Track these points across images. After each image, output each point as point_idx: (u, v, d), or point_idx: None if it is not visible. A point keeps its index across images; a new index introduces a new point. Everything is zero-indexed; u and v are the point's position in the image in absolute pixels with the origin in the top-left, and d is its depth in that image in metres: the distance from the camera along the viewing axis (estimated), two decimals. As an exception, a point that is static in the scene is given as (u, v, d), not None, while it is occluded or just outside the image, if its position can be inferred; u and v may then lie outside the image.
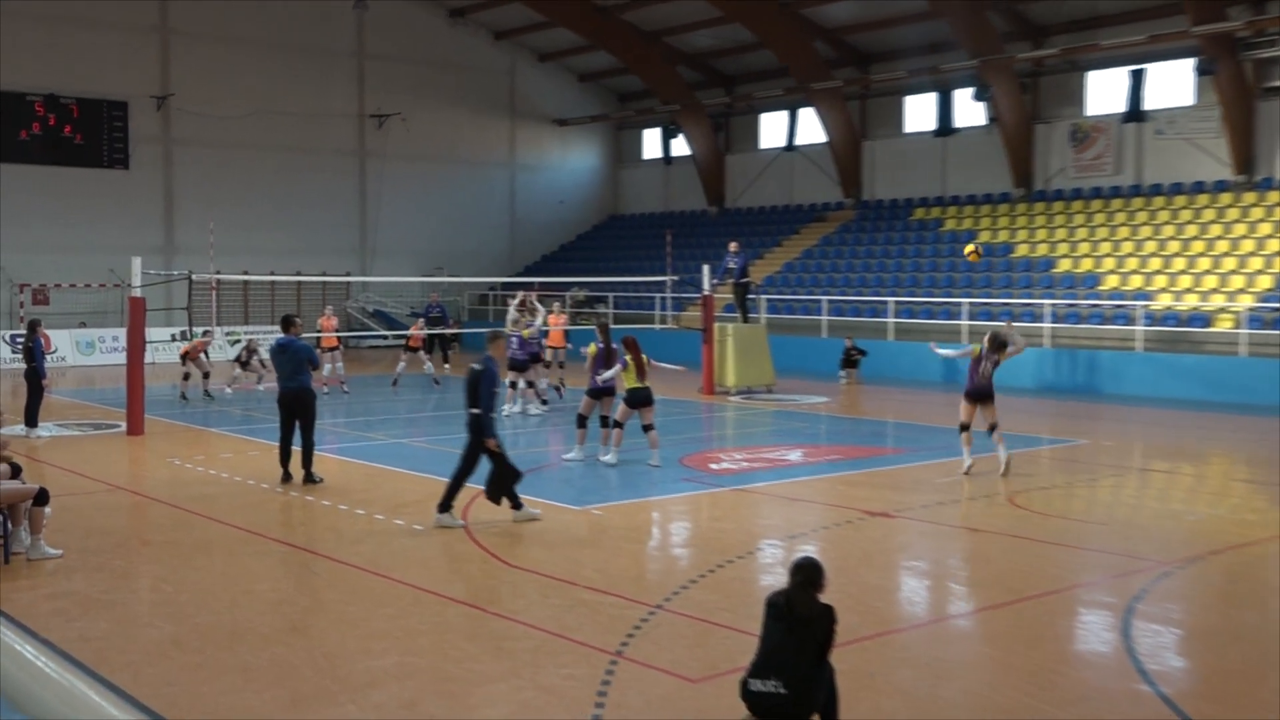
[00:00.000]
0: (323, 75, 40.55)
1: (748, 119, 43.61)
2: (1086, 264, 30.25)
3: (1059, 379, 26.79)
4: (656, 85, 42.72)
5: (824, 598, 6.28)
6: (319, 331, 24.99)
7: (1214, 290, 27.14)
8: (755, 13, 35.76)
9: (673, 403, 23.77)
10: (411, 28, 42.36)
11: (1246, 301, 26.02)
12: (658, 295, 36.08)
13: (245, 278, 34.92)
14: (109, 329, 34.60)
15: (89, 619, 8.64)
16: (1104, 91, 34.09)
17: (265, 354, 25.62)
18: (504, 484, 11.86)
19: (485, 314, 41.79)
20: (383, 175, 42.00)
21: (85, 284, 36.00)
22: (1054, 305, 28.39)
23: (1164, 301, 27.16)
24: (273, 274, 36.41)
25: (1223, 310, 26.15)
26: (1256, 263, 27.41)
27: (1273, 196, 29.71)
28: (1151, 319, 26.75)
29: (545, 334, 22.80)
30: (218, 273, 31.30)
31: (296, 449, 14.26)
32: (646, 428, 15.51)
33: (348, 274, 40.13)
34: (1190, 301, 26.88)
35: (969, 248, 18.61)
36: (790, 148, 41.35)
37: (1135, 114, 32.43)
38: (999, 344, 14.96)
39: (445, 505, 11.74)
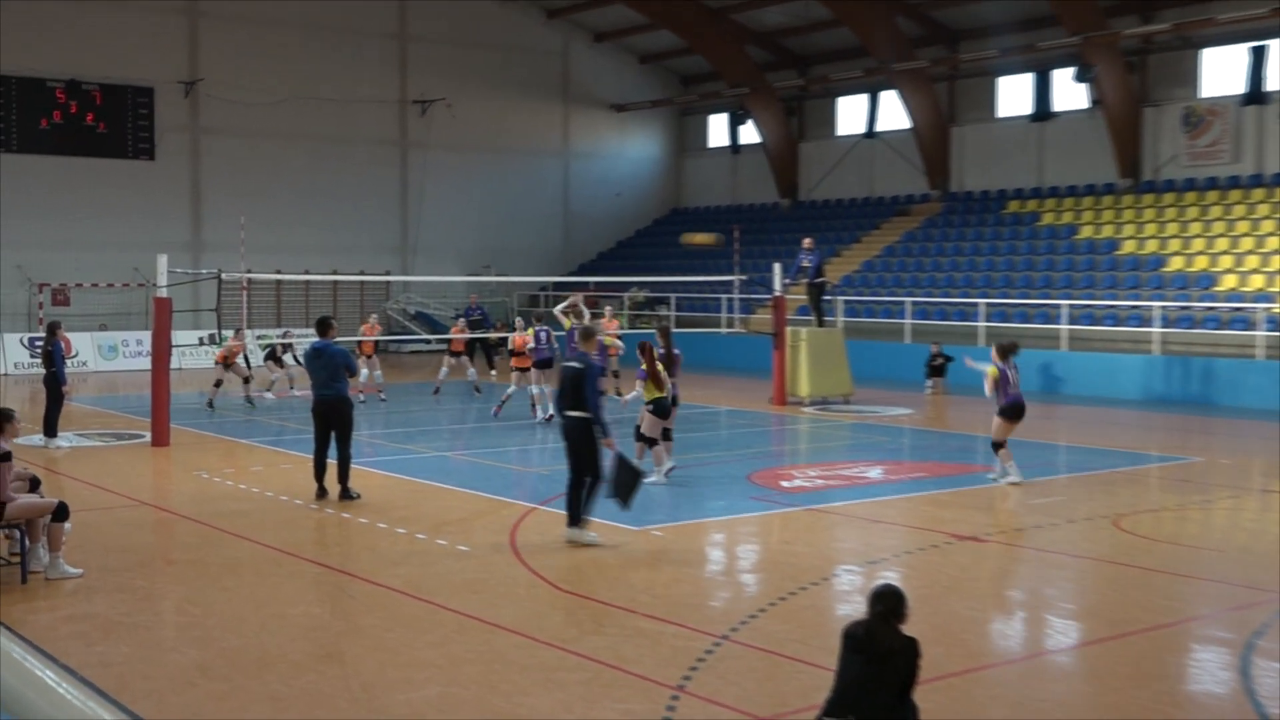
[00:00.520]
0: (361, 58, 40.96)
1: (823, 103, 43.46)
2: (1201, 262, 29.81)
3: (1169, 389, 26.41)
4: (723, 66, 42.69)
5: (907, 629, 6.23)
6: (358, 336, 25.24)
7: (1345, 291, 26.63)
8: (832, -14, 35.68)
9: (740, 414, 23.71)
10: (457, 6, 42.67)
11: (1382, 304, 25.50)
12: (724, 296, 36.05)
13: (278, 277, 35.33)
14: (133, 331, 35.13)
15: (110, 643, 8.77)
16: (1220, 71, 33.59)
17: (298, 352, 26.07)
18: (622, 483, 11.99)
19: (535, 317, 41.93)
20: (426, 166, 42.34)
21: (108, 283, 36.60)
22: (1164, 308, 27.99)
23: (1288, 304, 26.70)
24: (307, 273, 36.80)
25: (1355, 314, 25.65)
26: (1393, 261, 26.87)
27: None
28: (1274, 323, 26.30)
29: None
30: (248, 271, 31.69)
31: (332, 462, 14.40)
32: (665, 434, 15.73)
33: (387, 273, 40.48)
34: (1318, 304, 26.41)
35: (698, 238, 19.22)
36: (870, 134, 41.12)
37: (1256, 95, 31.91)
38: (1006, 351, 15.62)
39: (575, 519, 11.91)
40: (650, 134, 48.25)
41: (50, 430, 18.58)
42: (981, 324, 30.26)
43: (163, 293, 19.13)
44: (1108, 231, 33.08)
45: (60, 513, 10.61)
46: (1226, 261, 29.46)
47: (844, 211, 41.80)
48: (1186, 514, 14.02)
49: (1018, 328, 30.20)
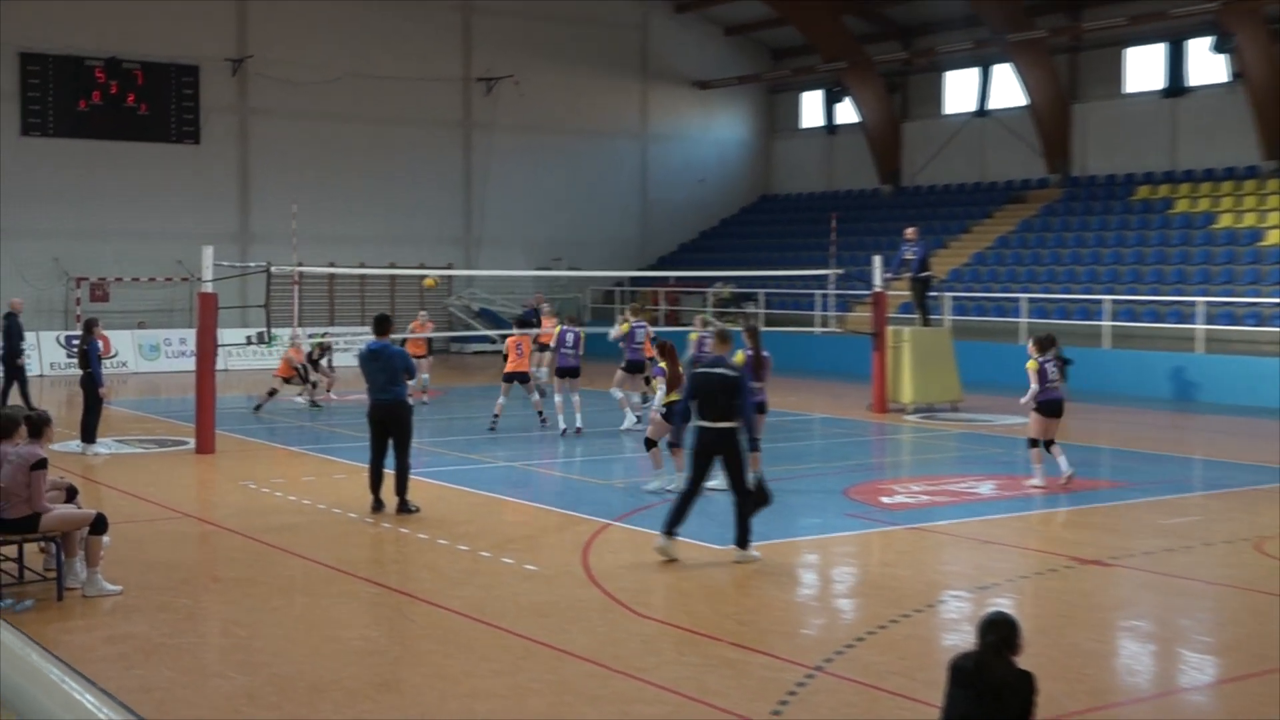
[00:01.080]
0: (422, 33, 41.31)
1: (929, 78, 43.15)
2: (1356, 254, 29.20)
3: (1320, 397, 25.88)
4: (818, 39, 42.52)
5: (1021, 662, 6.17)
6: (408, 333, 25.44)
7: None
8: (939, -51, 35.45)
9: (836, 422, 23.61)
10: (526, -26, 42.96)
11: None
12: (818, 292, 35.90)
13: (331, 270, 35.72)
14: (175, 330, 35.71)
15: (151, 666, 8.92)
16: (1379, 39, 32.90)
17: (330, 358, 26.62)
18: (749, 510, 12.10)
19: (610, 314, 42.00)
20: (491, 149, 42.59)
21: (149, 278, 37.21)
22: (1314, 305, 27.46)
23: None
24: (363, 266, 37.18)
25: None
26: None
27: None
28: None
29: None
30: (300, 264, 32.04)
31: (389, 472, 14.53)
32: (672, 445, 15.58)
33: (449, 266, 40.77)
34: None
35: (429, 281, 19.55)
36: (982, 113, 40.75)
37: None
38: (1045, 344, 16.53)
39: (673, 529, 12.01)
40: (737, 113, 48.18)
41: (88, 436, 18.95)
42: (1106, 323, 29.87)
43: (208, 287, 19.41)
44: (1249, 220, 32.51)
45: (98, 525, 10.81)
46: (1386, 253, 28.84)
47: (952, 198, 41.47)
48: (1339, 537, 13.74)
49: (1147, 327, 29.77)
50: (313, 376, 26.01)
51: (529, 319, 30.51)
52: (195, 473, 17.89)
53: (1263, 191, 33.53)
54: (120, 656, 9.18)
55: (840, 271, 29.58)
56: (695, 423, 12.13)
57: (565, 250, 43.11)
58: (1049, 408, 16.35)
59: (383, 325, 14.87)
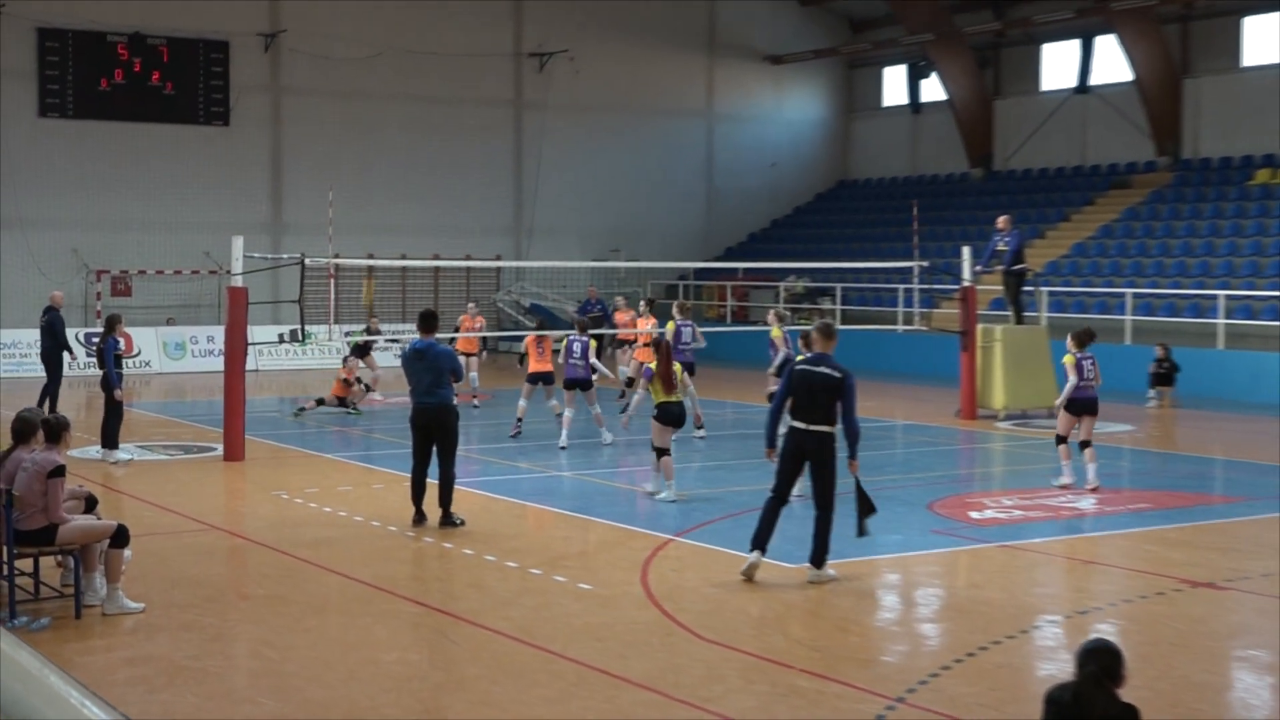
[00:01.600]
0: (469, 5, 41.42)
1: (1025, 52, 42.85)
2: None
3: None
4: (902, 8, 42.34)
5: (1124, 695, 6.12)
6: (455, 331, 25.59)
7: None
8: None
9: (920, 429, 23.50)
10: (582, -60, 43.04)
11: None
12: (901, 287, 35.74)
13: (370, 262, 35.91)
14: (203, 327, 36.03)
15: (175, 690, 9.01)
16: None
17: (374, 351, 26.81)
18: (864, 506, 12.21)
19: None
20: (544, 131, 42.70)
21: (175, 270, 37.55)
22: None
23: None
24: (404, 258, 37.35)
25: None
26: None
27: None
28: None
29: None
30: (337, 256, 32.21)
31: (432, 482, 14.61)
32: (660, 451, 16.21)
33: (498, 258, 40.90)
34: None
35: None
36: (1083, 89, 40.42)
37: None
38: (1084, 338, 17.41)
39: (763, 542, 12.01)
40: (812, 91, 48.05)
41: (109, 441, 19.12)
42: (1220, 321, 29.56)
43: (238, 281, 19.56)
44: (1382, 207, 32.05)
45: (119, 537, 10.93)
46: None
47: (1049, 183, 41.17)
48: None
49: (1266, 325, 29.42)
50: (374, 373, 26.28)
51: (590, 312, 30.62)
52: (223, 481, 18.05)
53: (1396, 175, 33.06)
54: (142, 679, 9.27)
55: (925, 264, 29.41)
56: (789, 423, 12.11)
57: (624, 240, 43.15)
58: (1079, 405, 17.03)
59: (429, 322, 14.91)
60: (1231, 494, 17.39)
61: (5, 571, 10.75)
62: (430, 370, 14.49)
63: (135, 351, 33.58)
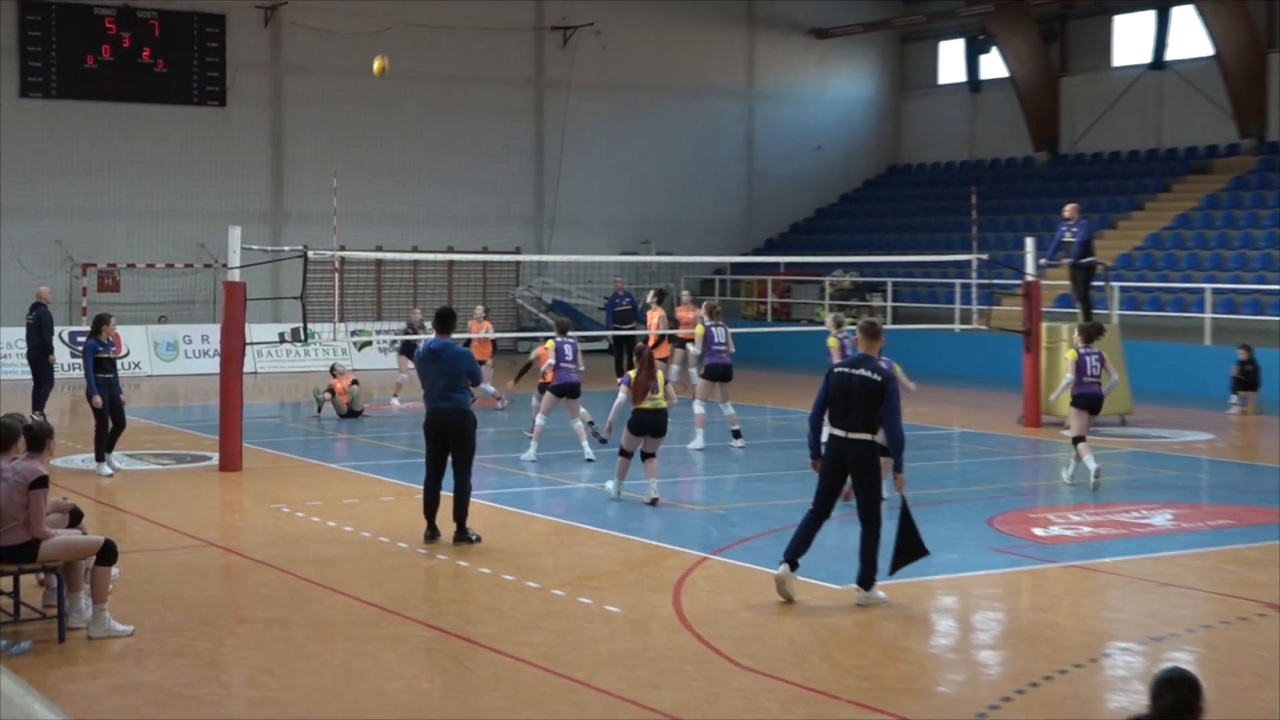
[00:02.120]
0: (486, -27, 41.55)
1: (1094, 24, 42.70)
2: None
3: None
4: (959, -23, 42.27)
5: (1204, 729, 6.10)
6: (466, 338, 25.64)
7: None
8: None
9: (979, 438, 23.43)
10: (610, -97, 43.05)
11: None
12: (958, 282, 35.66)
13: (379, 255, 36.01)
14: (197, 325, 36.12)
15: (167, 721, 9.04)
16: None
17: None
18: (909, 545, 12.08)
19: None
20: (568, 112, 42.72)
21: (167, 264, 37.70)
22: None
23: None
24: (415, 250, 37.42)
25: None
26: None
27: None
28: None
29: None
30: (342, 249, 32.26)
31: (446, 494, 14.64)
32: (646, 455, 16.86)
33: (517, 250, 40.97)
34: None
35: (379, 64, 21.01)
36: (1158, 64, 40.23)
37: None
38: (1090, 334, 18.64)
39: (795, 560, 12.06)
40: (862, 68, 47.99)
41: (100, 452, 18.94)
42: (1310, 319, 29.45)
43: (235, 275, 19.62)
44: None
45: (106, 554, 10.96)
46: None
47: (1121, 168, 41.03)
48: None
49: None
50: (401, 378, 26.35)
51: (618, 306, 30.59)
52: (219, 493, 18.11)
53: None
54: (130, 709, 9.30)
55: (984, 257, 29.35)
56: (829, 430, 12.10)
57: (655, 231, 43.12)
58: (1086, 401, 18.19)
59: (445, 322, 14.92)
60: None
61: (-17, 591, 10.80)
62: (445, 373, 14.49)
63: (124, 352, 33.64)
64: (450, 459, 14.56)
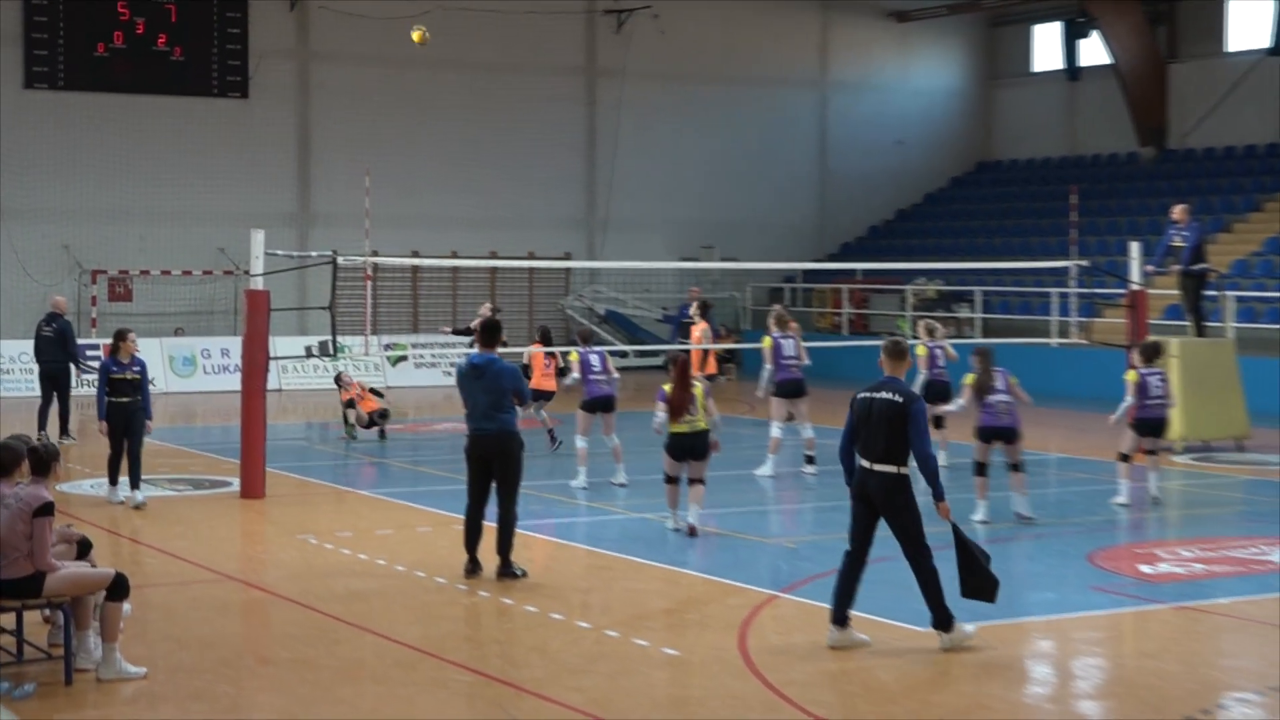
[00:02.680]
0: (534, -49, 41.65)
1: (1206, 5, 42.44)
2: None
3: None
4: (1056, -46, 42.13)
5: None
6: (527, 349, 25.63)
7: None
8: None
9: (1077, 463, 23.29)
10: (669, -126, 43.06)
11: None
12: (1055, 291, 35.46)
13: (415, 261, 36.07)
14: (216, 338, 36.30)
15: (183, 772, 9.09)
16: None
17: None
18: (976, 573, 11.95)
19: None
20: (622, 104, 42.69)
21: (184, 270, 37.88)
22: None
23: None
24: (455, 256, 37.48)
25: None
26: None
27: None
28: None
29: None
30: (374, 254, 32.33)
31: (489, 524, 14.64)
32: (691, 480, 16.83)
33: (567, 256, 40.97)
34: None
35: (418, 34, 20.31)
36: (1278, 50, 39.96)
37: None
38: (1151, 352, 19.60)
39: (843, 615, 11.87)
40: (947, 54, 47.85)
41: (113, 477, 18.80)
42: None
43: (258, 283, 19.69)
44: None
45: (117, 588, 11.00)
46: None
47: (1236, 165, 40.79)
48: None
49: None
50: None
51: (686, 318, 30.52)
52: (240, 522, 18.19)
53: None
54: (144, 758, 9.36)
55: (1084, 263, 29.19)
56: (857, 462, 12.06)
57: (718, 236, 43.11)
58: (1148, 426, 18.99)
59: (491, 334, 14.91)
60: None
61: (-16, 628, 10.87)
62: (490, 391, 14.48)
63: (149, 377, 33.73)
64: (494, 485, 14.58)
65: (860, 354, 33.16)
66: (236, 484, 19.85)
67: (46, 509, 10.76)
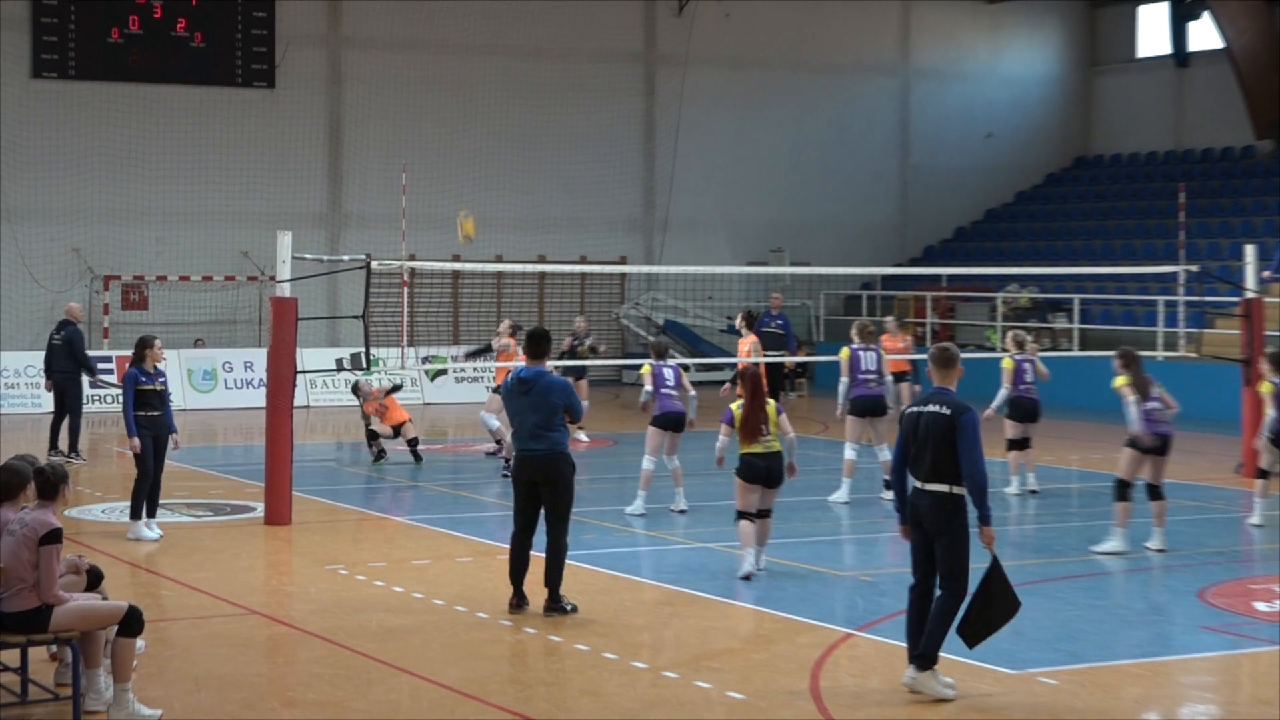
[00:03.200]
0: (587, -74, 41.71)
1: (1330, -17, 42.23)
2: None
3: None
4: (1162, -73, 41.94)
5: None
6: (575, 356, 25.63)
7: None
8: None
9: (1185, 489, 23.15)
10: None
11: None
12: (1161, 299, 35.29)
13: (456, 266, 36.10)
14: (239, 350, 36.44)
15: (201, 824, 9.11)
16: None
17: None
18: (994, 609, 11.82)
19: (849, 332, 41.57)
20: (684, 94, 42.68)
21: (204, 276, 38.06)
22: None
23: None
24: (500, 260, 37.51)
25: None
26: None
27: None
28: None
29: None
30: (411, 258, 32.41)
31: (537, 555, 14.64)
32: (764, 513, 16.30)
33: (622, 260, 40.91)
34: None
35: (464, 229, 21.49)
36: None
37: None
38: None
39: (927, 657, 11.73)
40: (1042, 38, 47.70)
41: (137, 509, 18.48)
42: None
43: (285, 290, 19.74)
44: None
45: (130, 623, 11.02)
46: None
47: (1364, 160, 40.51)
48: None
49: None
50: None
51: (767, 326, 30.39)
52: (264, 551, 18.24)
53: None
54: (159, 809, 9.39)
55: (1194, 268, 29.04)
56: (910, 483, 12.02)
57: (789, 238, 43.02)
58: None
59: (538, 345, 14.89)
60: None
61: (-15, 665, 10.92)
62: (538, 408, 14.46)
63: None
64: (543, 512, 14.59)
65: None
66: (260, 509, 19.90)
67: (54, 536, 10.78)
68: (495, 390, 23.82)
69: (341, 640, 13.54)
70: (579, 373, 27.00)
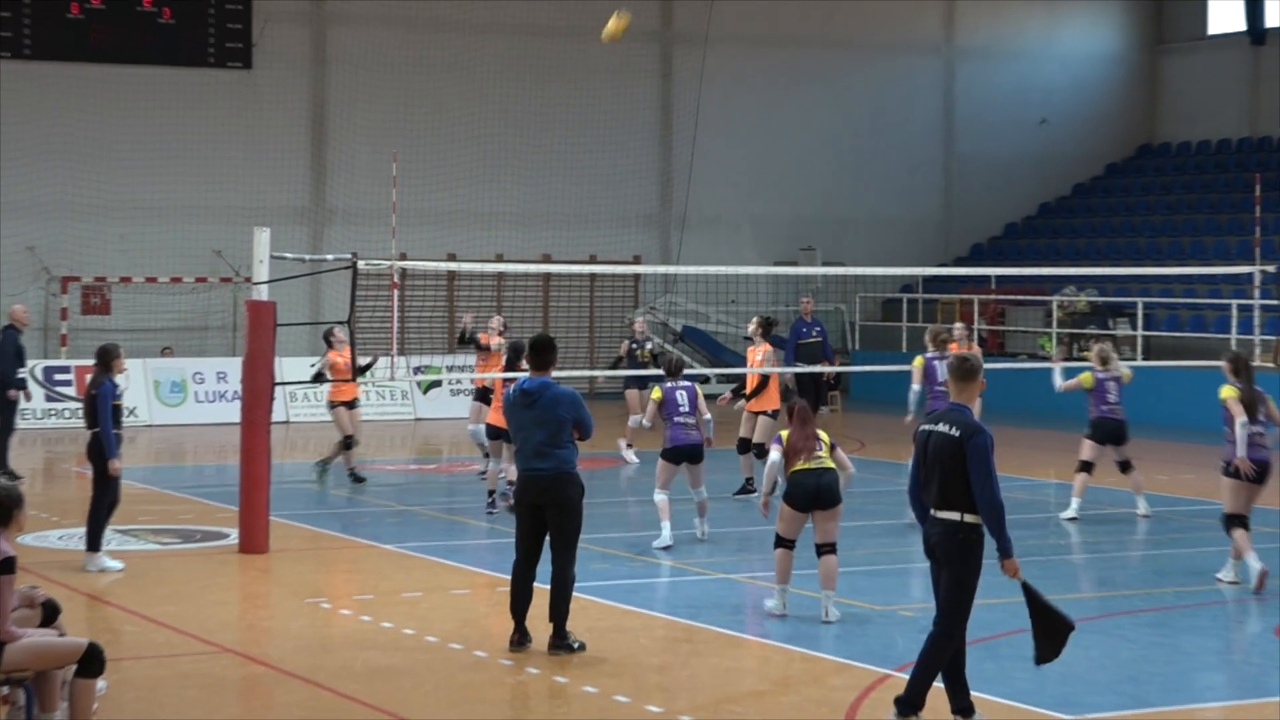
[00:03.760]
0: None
1: None
2: None
3: None
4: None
5: None
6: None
7: None
8: None
9: (1264, 515, 23.07)
10: None
11: None
12: (1235, 303, 35.23)
13: (452, 265, 36.14)
14: (211, 359, 36.43)
15: None
16: None
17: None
18: (1052, 634, 11.75)
19: (893, 336, 41.70)
20: (704, 76, 42.64)
21: (172, 277, 38.11)
22: None
23: None
24: (500, 259, 37.51)
25: None
26: None
27: None
28: None
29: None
30: (403, 257, 32.43)
31: (541, 585, 14.64)
32: (825, 548, 15.83)
33: (636, 260, 40.92)
34: None
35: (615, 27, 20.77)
36: None
37: None
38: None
39: (909, 703, 11.70)
40: (1102, 14, 47.72)
41: (94, 538, 18.42)
42: None
43: (262, 293, 19.78)
44: None
45: (90, 662, 11.03)
46: None
47: None
48: None
49: None
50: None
51: (805, 338, 30.29)
52: (238, 583, 18.24)
53: None
54: None
55: (1270, 269, 29.03)
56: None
57: (820, 235, 43.05)
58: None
59: (542, 354, 14.84)
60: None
61: (-71, 709, 10.93)
62: (544, 422, 14.44)
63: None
64: (548, 539, 14.57)
65: (996, 378, 33.06)
66: (234, 536, 19.84)
67: (6, 566, 10.75)
68: (477, 398, 23.88)
69: (324, 681, 13.53)
70: (640, 383, 26.88)
